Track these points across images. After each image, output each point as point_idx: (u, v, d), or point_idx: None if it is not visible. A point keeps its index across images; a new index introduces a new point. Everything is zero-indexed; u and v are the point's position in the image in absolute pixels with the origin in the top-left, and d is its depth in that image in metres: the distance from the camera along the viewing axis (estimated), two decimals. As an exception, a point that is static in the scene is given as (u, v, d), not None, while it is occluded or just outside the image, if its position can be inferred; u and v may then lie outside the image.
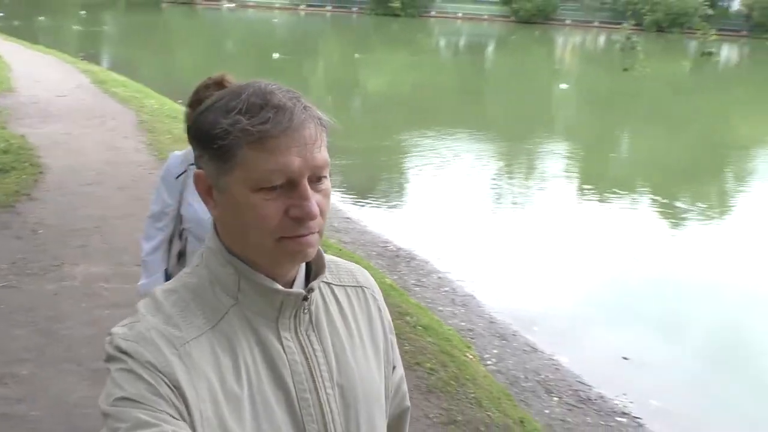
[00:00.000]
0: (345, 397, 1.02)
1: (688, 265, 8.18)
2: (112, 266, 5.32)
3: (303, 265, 1.04)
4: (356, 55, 29.99)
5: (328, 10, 61.85)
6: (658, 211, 10.53)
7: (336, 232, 7.63)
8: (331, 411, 1.00)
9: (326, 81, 23.55)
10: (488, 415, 3.46)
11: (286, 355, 0.97)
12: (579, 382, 5.38)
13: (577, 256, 8.11)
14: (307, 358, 0.99)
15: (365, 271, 1.18)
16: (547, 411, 4.82)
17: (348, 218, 8.59)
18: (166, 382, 0.87)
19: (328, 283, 1.09)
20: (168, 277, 2.58)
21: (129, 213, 6.37)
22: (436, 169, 12.13)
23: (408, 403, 1.28)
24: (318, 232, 0.95)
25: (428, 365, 3.83)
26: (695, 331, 6.61)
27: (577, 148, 15.08)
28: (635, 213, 10.38)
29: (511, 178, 12.36)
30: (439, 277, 6.99)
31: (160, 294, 0.97)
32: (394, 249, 7.59)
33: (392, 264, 7.09)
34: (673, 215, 10.38)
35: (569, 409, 4.99)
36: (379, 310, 1.16)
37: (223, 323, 0.94)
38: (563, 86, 23.91)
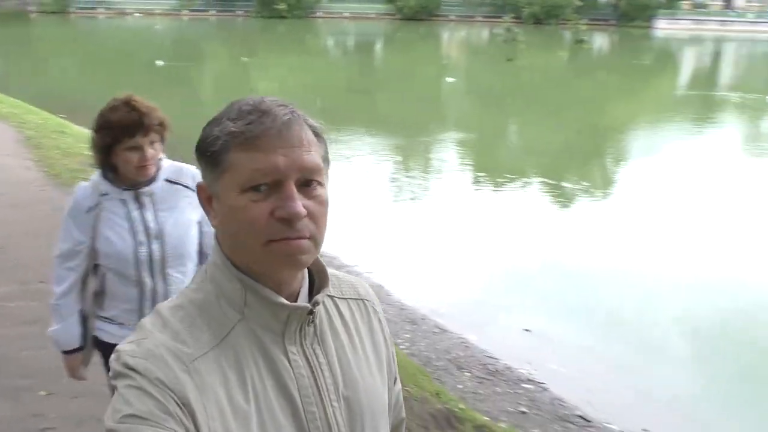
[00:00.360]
0: (351, 410, 1.02)
1: (579, 241, 8.79)
2: (15, 285, 5.16)
3: (306, 279, 1.04)
4: (244, 59, 29.62)
5: (212, 15, 60.59)
6: (547, 193, 11.20)
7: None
8: (338, 423, 1.00)
9: (216, 86, 23.17)
10: (407, 390, 3.69)
11: (292, 369, 0.97)
12: (487, 356, 5.72)
13: (476, 240, 8.53)
14: (313, 372, 0.99)
15: (365, 283, 1.19)
16: (460, 386, 5.12)
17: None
18: (175, 400, 0.87)
19: (331, 296, 1.09)
20: (83, 318, 2.42)
21: (28, 231, 6.18)
22: (336, 167, 12.29)
23: (404, 414, 1.30)
24: (310, 238, 0.94)
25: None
26: (589, 303, 7.12)
27: (468, 139, 15.69)
28: (527, 196, 11.01)
29: (408, 171, 12.73)
30: (348, 271, 7.10)
31: (166, 310, 0.97)
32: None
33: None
34: (561, 195, 11.08)
35: (480, 382, 5.32)
36: (380, 322, 1.17)
37: (230, 338, 0.94)
38: (450, 80, 24.70)
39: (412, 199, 10.89)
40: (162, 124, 2.30)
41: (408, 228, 8.99)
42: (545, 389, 5.39)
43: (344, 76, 27.62)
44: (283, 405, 0.95)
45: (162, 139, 2.33)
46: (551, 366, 5.75)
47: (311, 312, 0.99)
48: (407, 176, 12.31)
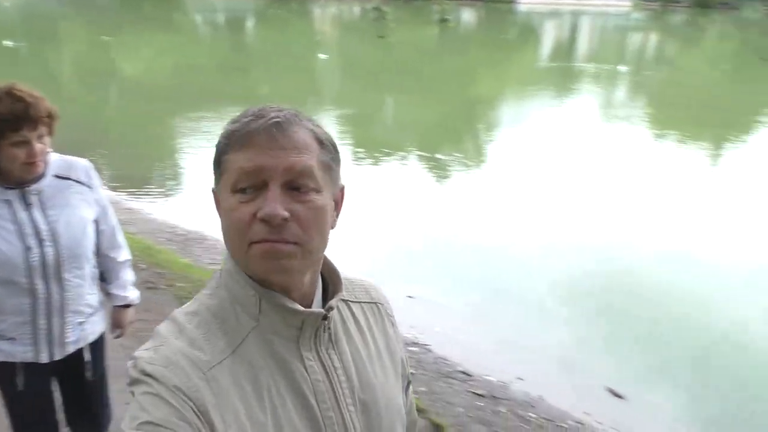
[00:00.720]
0: (367, 413, 1.02)
1: (456, 211, 9.26)
2: None
3: (320, 284, 1.04)
4: (105, 38, 27.97)
5: (66, -9, 56.39)
6: (424, 165, 11.62)
7: (122, 225, 7.40)
8: (355, 428, 1.00)
9: (75, 68, 21.78)
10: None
11: (308, 375, 0.97)
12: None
13: (356, 214, 8.74)
14: (329, 377, 0.99)
15: (378, 287, 1.21)
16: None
17: (130, 209, 8.35)
18: (192, 408, 0.86)
19: (345, 300, 1.10)
20: None
21: None
22: (213, 150, 12.06)
23: (416, 415, 1.31)
24: (297, 243, 0.92)
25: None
26: (467, 270, 7.56)
27: (344, 115, 15.85)
28: (405, 169, 11.37)
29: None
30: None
31: (182, 316, 0.96)
32: (184, 232, 7.60)
33: (184, 246, 7.11)
34: (437, 167, 11.54)
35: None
36: (393, 325, 1.18)
37: (245, 345, 0.94)
38: (323, 56, 24.67)
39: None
40: (50, 116, 2.13)
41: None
42: (429, 350, 5.74)
43: (216, 53, 26.82)
44: (300, 412, 0.95)
45: (50, 132, 2.15)
46: (435, 329, 6.11)
47: (326, 317, 0.99)
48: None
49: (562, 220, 8.88)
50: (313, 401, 0.96)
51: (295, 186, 0.93)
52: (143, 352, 0.92)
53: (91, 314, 2.40)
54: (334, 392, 0.99)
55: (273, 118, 0.93)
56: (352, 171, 11.12)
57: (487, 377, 5.46)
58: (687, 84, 22.46)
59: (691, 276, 7.37)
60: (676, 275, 7.35)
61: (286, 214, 0.90)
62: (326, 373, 0.99)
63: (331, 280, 1.06)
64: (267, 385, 0.93)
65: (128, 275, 2.64)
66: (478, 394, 5.23)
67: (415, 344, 5.81)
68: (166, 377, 0.87)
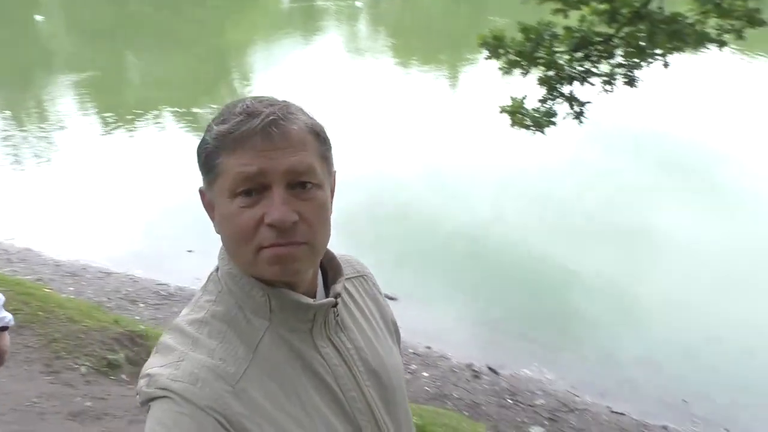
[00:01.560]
0: (381, 383, 1.03)
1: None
2: None
3: (318, 269, 1.02)
4: None
5: None
6: (184, 122, 11.39)
7: None
8: (374, 399, 1.01)
9: None
10: (84, 325, 3.86)
11: (326, 362, 0.97)
12: (158, 284, 6.06)
13: (119, 183, 8.47)
14: (344, 359, 0.99)
15: (358, 259, 1.18)
16: (137, 317, 5.38)
17: None
18: (226, 426, 0.84)
19: None
20: None
21: None
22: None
23: None
24: (305, 243, 0.91)
25: (10, 308, 3.96)
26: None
27: (83, 81, 14.70)
28: (164, 128, 11.06)
29: (23, 126, 11.62)
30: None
31: (188, 326, 0.93)
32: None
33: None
34: (195, 121, 11.38)
35: (157, 308, 5.66)
36: (379, 292, 1.18)
37: (262, 347, 0.92)
38: (39, 17, 22.20)
39: (36, 158, 10.07)
40: None
41: (46, 187, 8.47)
42: (217, 297, 5.98)
43: None
44: (326, 397, 0.95)
45: None
46: (219, 277, 6.33)
47: (335, 304, 0.99)
48: (26, 133, 11.26)
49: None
50: (335, 386, 0.96)
51: (300, 184, 0.90)
52: (161, 369, 0.87)
53: None
54: (352, 372, 0.99)
55: (268, 116, 0.89)
56: (105, 139, 10.59)
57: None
58: (420, 13, 24.16)
59: (445, 191, 8.30)
60: (432, 192, 8.22)
61: (295, 217, 0.88)
62: (341, 356, 0.99)
63: (328, 264, 1.04)
64: (290, 380, 0.92)
65: None
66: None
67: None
68: (196, 396, 0.83)
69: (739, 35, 4.22)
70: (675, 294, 5.92)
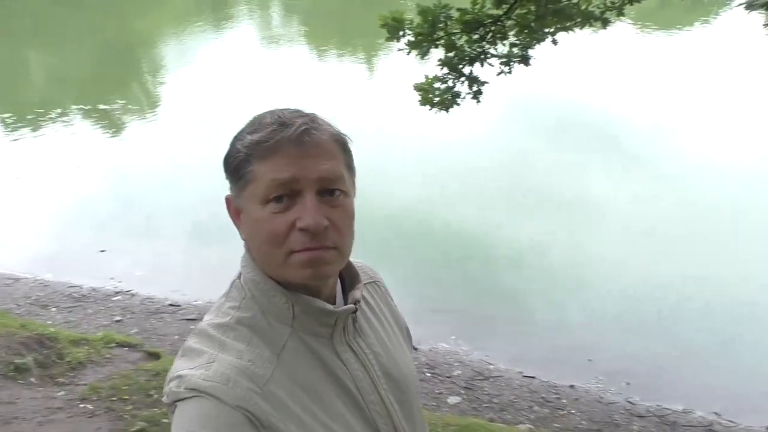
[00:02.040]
0: (397, 387, 1.06)
1: (129, 163, 9.10)
2: None
3: (337, 276, 1.04)
4: None
5: None
6: (95, 120, 11.00)
7: None
8: (392, 403, 1.04)
9: None
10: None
11: (347, 367, 0.99)
12: (70, 287, 5.90)
13: (32, 185, 8.16)
14: (362, 364, 1.02)
15: (370, 265, 1.19)
16: (50, 321, 5.23)
17: None
18: (256, 424, 0.86)
19: None
20: None
21: None
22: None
23: None
24: (335, 248, 0.94)
25: None
26: (159, 206, 7.61)
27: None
28: (74, 126, 10.65)
29: None
30: None
31: (213, 330, 0.95)
32: None
33: None
34: (108, 119, 11.03)
35: (69, 311, 5.52)
36: (391, 298, 1.20)
37: (286, 352, 0.95)
38: None
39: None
40: None
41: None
42: (134, 295, 5.88)
43: None
44: (346, 402, 0.98)
45: None
46: (136, 274, 6.22)
47: (355, 311, 1.02)
48: None
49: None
50: (355, 390, 0.99)
51: (329, 192, 0.94)
52: (192, 370, 0.89)
53: None
54: (370, 377, 1.02)
55: (300, 125, 0.93)
56: (5, 140, 10.13)
57: (196, 303, 5.83)
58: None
59: (370, 169, 8.39)
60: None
61: (327, 222, 0.92)
62: (360, 361, 1.01)
63: (346, 272, 1.06)
64: (313, 384, 0.95)
65: None
66: (189, 319, 5.58)
67: (118, 293, 5.90)
68: (228, 395, 0.86)
69: (620, 12, 4.49)
70: (582, 259, 6.23)
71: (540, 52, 4.59)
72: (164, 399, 0.91)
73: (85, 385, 3.70)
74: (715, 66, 10.55)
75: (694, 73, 11.49)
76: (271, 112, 0.97)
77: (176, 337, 5.30)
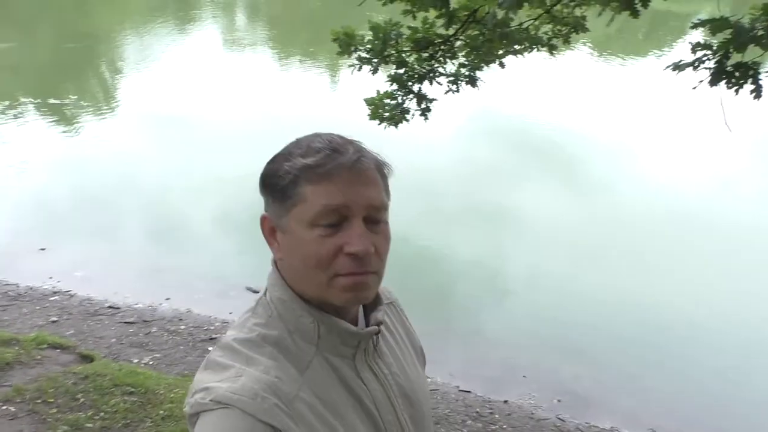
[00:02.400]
0: (412, 407, 1.08)
1: (87, 156, 8.92)
2: None
3: None
4: None
5: None
6: (52, 114, 10.76)
7: None
8: (407, 423, 1.06)
9: None
10: None
11: (367, 388, 1.01)
12: (6, 284, 5.74)
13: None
14: (381, 384, 1.03)
15: (386, 285, 1.20)
16: (-19, 320, 5.10)
17: None
18: None
19: None
20: None
21: None
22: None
23: None
24: (375, 272, 0.97)
25: None
26: (113, 206, 7.48)
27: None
28: (22, 120, 10.40)
29: None
30: None
31: (238, 345, 0.96)
32: None
33: None
34: (61, 112, 10.81)
35: (3, 310, 5.37)
36: (407, 318, 1.22)
37: (310, 371, 0.96)
38: None
39: None
40: None
41: None
42: (72, 295, 5.76)
43: None
44: (366, 422, 0.99)
45: None
46: (76, 274, 6.10)
47: (378, 332, 1.04)
48: None
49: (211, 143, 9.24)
50: (374, 410, 1.01)
51: (374, 220, 0.97)
52: (219, 383, 0.90)
53: None
54: (389, 397, 1.03)
55: (354, 153, 0.96)
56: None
57: (136, 305, 5.74)
58: (300, 6, 24.02)
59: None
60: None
61: (373, 248, 0.95)
62: (378, 381, 1.03)
63: None
64: (336, 404, 0.96)
65: None
66: (128, 322, 5.50)
67: (56, 293, 5.77)
68: (255, 409, 0.87)
69: (566, 40, 4.62)
70: (522, 277, 6.36)
71: (500, 72, 4.70)
72: (186, 409, 0.91)
73: (9, 386, 3.62)
74: (661, 94, 10.90)
75: (643, 98, 11.87)
76: (319, 136, 0.98)
77: (113, 340, 5.22)
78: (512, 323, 5.75)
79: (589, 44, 15.54)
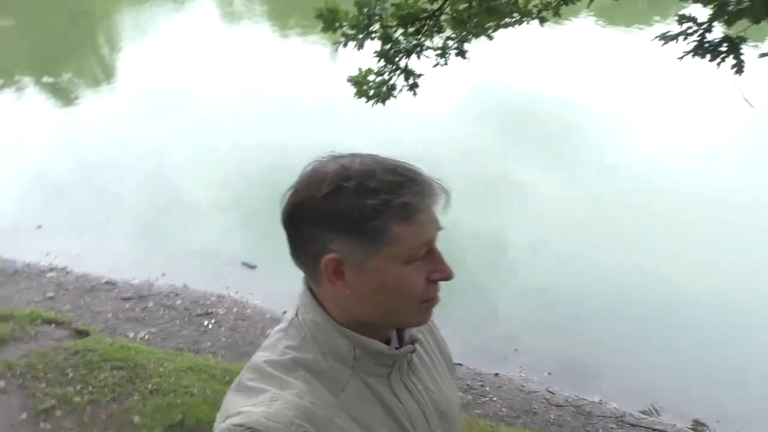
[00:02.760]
0: (445, 420, 1.08)
1: (90, 132, 8.95)
2: None
3: None
4: None
5: None
6: (41, 90, 10.76)
7: None
8: None
9: None
10: None
11: (403, 406, 1.01)
12: (2, 260, 5.84)
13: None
14: (416, 401, 1.03)
15: None
16: (-22, 296, 5.19)
17: None
18: None
19: None
20: None
21: None
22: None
23: None
24: None
25: None
26: (106, 186, 7.52)
27: None
28: (18, 96, 10.41)
29: None
30: None
31: (270, 368, 0.95)
32: None
33: None
34: (59, 89, 10.80)
35: (1, 285, 5.47)
36: (436, 327, 1.22)
37: (346, 394, 0.95)
38: None
39: None
40: None
41: None
42: (69, 272, 5.83)
43: None
44: None
45: None
46: (73, 251, 6.16)
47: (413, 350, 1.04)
48: None
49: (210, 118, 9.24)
50: (410, 427, 1.01)
51: None
52: (253, 407, 0.89)
53: None
54: (424, 414, 1.03)
55: (437, 187, 0.96)
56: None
57: (133, 281, 5.81)
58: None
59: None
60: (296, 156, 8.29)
61: None
62: (413, 398, 1.03)
63: None
64: (371, 424, 0.96)
65: None
66: (125, 298, 5.57)
67: (53, 269, 5.85)
68: None
69: (556, 12, 4.58)
70: (514, 250, 6.37)
71: (501, 43, 4.66)
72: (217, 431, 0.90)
73: (0, 361, 3.69)
74: (666, 64, 10.73)
75: (648, 69, 11.72)
76: (393, 164, 0.95)
77: (110, 315, 5.30)
78: (505, 297, 5.78)
79: (592, 15, 15.34)
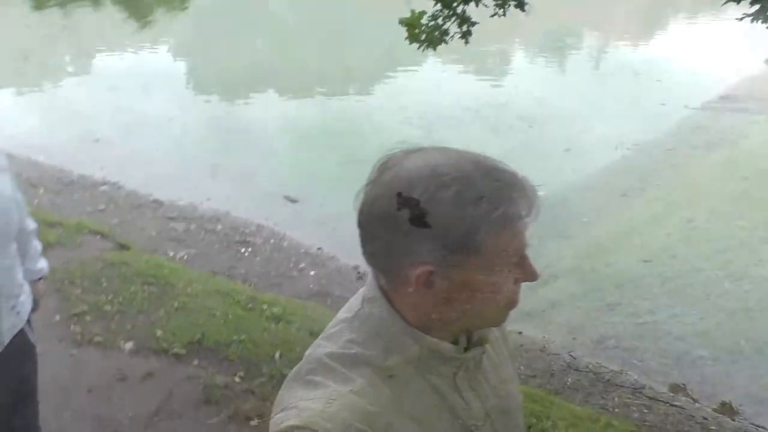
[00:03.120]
0: (508, 416, 1.06)
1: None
2: None
3: None
4: None
5: None
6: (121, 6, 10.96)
7: None
8: None
9: None
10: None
11: (468, 405, 0.98)
12: (60, 170, 6.10)
13: None
14: (482, 401, 1.00)
15: None
16: (36, 200, 5.48)
17: None
18: None
19: None
20: None
21: None
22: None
23: None
24: None
25: None
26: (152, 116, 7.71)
27: None
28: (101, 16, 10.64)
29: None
30: None
31: (331, 361, 0.93)
32: None
33: None
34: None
35: (56, 194, 5.75)
36: (504, 326, 1.18)
37: (408, 393, 0.93)
38: None
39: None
40: None
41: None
42: (120, 187, 6.07)
43: None
44: None
45: None
46: (126, 167, 6.40)
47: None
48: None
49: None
50: (473, 428, 0.98)
51: None
52: (310, 402, 0.87)
53: (20, 294, 2.07)
54: (489, 414, 1.01)
55: (533, 192, 0.90)
56: None
57: (179, 202, 6.01)
58: None
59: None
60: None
61: None
62: (479, 398, 1.00)
63: None
64: (433, 425, 0.94)
65: (38, 245, 2.29)
66: (169, 218, 5.78)
67: (105, 183, 6.10)
68: None
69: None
70: (549, 211, 6.24)
71: None
72: (273, 424, 0.88)
73: (43, 264, 3.91)
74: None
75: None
76: (484, 168, 0.88)
77: (153, 233, 5.52)
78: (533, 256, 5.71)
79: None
